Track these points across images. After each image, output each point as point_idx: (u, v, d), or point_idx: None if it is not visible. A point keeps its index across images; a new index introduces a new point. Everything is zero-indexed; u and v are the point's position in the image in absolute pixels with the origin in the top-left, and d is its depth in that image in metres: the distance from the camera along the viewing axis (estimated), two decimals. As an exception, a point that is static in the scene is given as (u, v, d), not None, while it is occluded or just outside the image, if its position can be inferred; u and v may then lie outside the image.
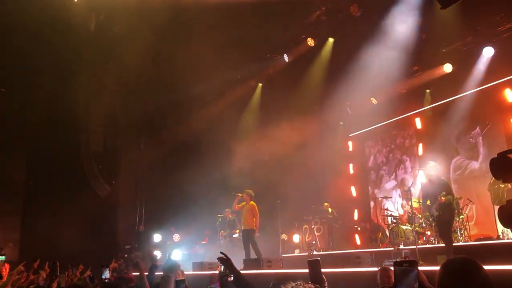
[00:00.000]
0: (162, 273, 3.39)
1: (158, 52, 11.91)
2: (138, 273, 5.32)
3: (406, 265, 2.06)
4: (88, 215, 13.27)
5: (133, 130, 14.08)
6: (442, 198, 8.45)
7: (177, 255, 12.56)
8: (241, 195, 11.65)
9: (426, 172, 9.29)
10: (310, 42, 12.57)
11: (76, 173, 13.52)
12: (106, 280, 5.88)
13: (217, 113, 13.68)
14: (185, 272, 9.70)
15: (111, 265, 7.57)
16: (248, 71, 14.16)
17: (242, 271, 6.94)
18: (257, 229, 11.48)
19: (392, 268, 5.77)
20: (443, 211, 8.57)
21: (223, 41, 11.39)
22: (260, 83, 15.14)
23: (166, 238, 13.46)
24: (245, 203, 11.53)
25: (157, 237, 13.46)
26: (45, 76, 11.76)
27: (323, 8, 11.86)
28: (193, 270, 10.52)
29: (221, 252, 4.53)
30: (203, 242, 13.91)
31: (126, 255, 13.30)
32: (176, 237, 13.33)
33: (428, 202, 8.96)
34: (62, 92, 11.76)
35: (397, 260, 2.14)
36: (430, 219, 8.90)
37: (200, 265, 10.51)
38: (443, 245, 9.28)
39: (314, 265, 3.15)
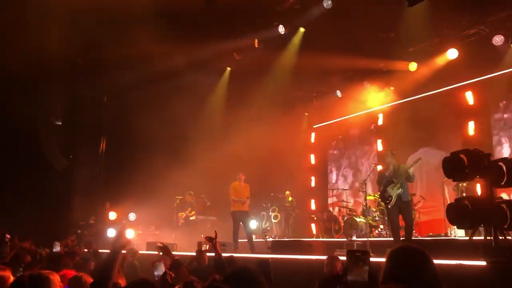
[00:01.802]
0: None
1: (122, 31, 11.55)
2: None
3: (359, 254, 2.09)
4: (43, 189, 12.94)
5: (95, 103, 13.75)
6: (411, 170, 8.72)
7: (130, 234, 12.42)
8: (239, 177, 11.15)
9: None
10: (281, 29, 12.52)
11: (33, 146, 13.13)
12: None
13: (182, 94, 13.48)
14: (140, 252, 9.72)
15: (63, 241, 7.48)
16: (218, 54, 13.98)
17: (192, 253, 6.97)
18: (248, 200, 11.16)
19: (339, 257, 5.93)
20: (407, 194, 8.80)
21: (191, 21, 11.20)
22: (229, 67, 15.00)
23: (122, 216, 13.27)
24: (237, 182, 11.16)
25: (112, 215, 13.26)
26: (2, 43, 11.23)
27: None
28: (147, 250, 10.46)
29: (215, 231, 4.75)
30: (161, 223, 13.82)
31: (79, 231, 13.08)
32: (132, 216, 13.17)
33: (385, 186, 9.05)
34: (20, 61, 11.28)
35: (351, 250, 2.18)
36: (387, 202, 8.98)
37: (154, 245, 10.43)
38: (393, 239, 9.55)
39: (264, 266, 3.17)
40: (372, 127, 15.05)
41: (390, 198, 8.85)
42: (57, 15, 10.62)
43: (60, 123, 13.48)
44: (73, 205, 13.87)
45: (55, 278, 3.06)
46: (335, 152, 16.80)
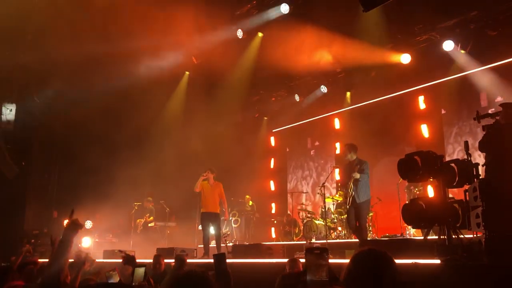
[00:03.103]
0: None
1: (81, 31, 11.23)
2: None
3: (317, 252, 2.07)
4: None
5: (49, 108, 13.29)
6: (357, 175, 8.47)
7: (87, 242, 12.10)
8: (205, 174, 10.01)
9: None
10: (240, 34, 12.55)
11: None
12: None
13: (141, 98, 13.25)
14: (97, 260, 9.46)
15: (24, 248, 7.19)
16: (178, 57, 13.84)
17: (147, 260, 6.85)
18: (227, 212, 10.42)
19: (301, 259, 5.97)
20: (362, 194, 8.59)
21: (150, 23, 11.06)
22: (187, 71, 14.88)
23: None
24: (206, 181, 10.11)
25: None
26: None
27: (254, 2, 11.90)
28: (104, 258, 10.21)
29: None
30: (118, 230, 13.52)
31: (33, 241, 12.59)
32: (88, 223, 12.80)
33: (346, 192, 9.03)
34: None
35: (309, 247, 2.16)
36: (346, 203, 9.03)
37: (112, 253, 10.22)
38: (353, 240, 9.67)
39: (219, 259, 3.16)
40: (330, 131, 15.30)
41: (347, 200, 8.92)
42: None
43: (11, 128, 12.95)
44: (26, 214, 13.34)
45: None
46: (294, 155, 16.95)
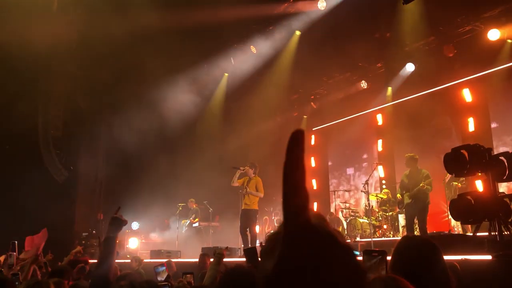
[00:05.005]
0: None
1: (122, 38, 11.55)
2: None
3: (375, 254, 2.11)
4: (45, 200, 12.92)
5: (94, 115, 13.75)
6: (422, 184, 8.69)
7: (134, 243, 12.42)
8: (243, 168, 9.89)
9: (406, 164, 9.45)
10: (277, 33, 12.56)
11: (33, 157, 13.13)
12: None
13: (182, 101, 13.51)
14: (145, 260, 9.71)
15: (74, 250, 7.48)
16: (215, 60, 14.03)
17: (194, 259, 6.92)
18: (254, 195, 9.90)
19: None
20: (419, 200, 8.77)
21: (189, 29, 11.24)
22: (226, 72, 15.04)
23: (125, 226, 13.23)
24: (247, 177, 9.95)
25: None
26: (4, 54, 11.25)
27: (291, 0, 11.88)
28: (151, 258, 10.45)
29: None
30: (163, 231, 13.82)
31: (84, 242, 13.05)
32: (135, 225, 13.15)
33: (403, 194, 9.18)
34: (22, 73, 11.30)
35: (367, 249, 2.19)
36: (399, 206, 9.16)
37: (158, 253, 10.45)
38: (398, 238, 9.54)
39: (250, 253, 3.20)
40: (372, 128, 15.08)
41: (401, 205, 9.10)
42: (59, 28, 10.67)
43: (60, 135, 13.48)
44: (76, 216, 13.85)
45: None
46: (336, 153, 16.79)
